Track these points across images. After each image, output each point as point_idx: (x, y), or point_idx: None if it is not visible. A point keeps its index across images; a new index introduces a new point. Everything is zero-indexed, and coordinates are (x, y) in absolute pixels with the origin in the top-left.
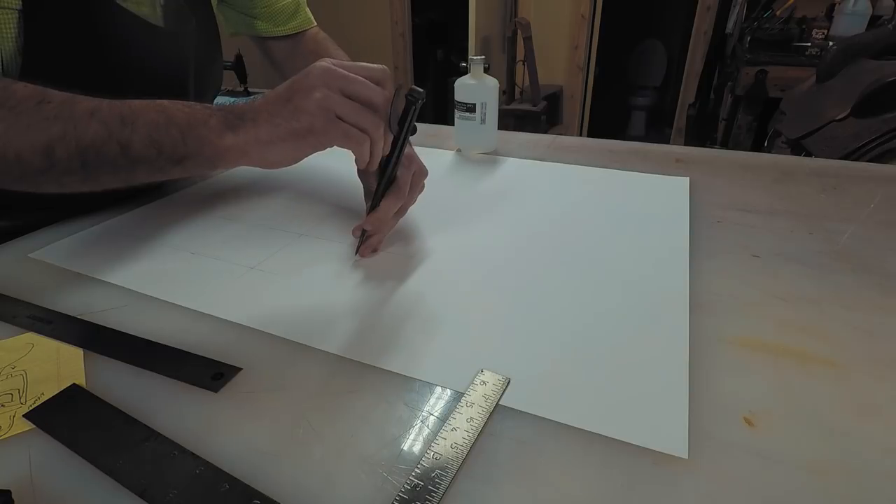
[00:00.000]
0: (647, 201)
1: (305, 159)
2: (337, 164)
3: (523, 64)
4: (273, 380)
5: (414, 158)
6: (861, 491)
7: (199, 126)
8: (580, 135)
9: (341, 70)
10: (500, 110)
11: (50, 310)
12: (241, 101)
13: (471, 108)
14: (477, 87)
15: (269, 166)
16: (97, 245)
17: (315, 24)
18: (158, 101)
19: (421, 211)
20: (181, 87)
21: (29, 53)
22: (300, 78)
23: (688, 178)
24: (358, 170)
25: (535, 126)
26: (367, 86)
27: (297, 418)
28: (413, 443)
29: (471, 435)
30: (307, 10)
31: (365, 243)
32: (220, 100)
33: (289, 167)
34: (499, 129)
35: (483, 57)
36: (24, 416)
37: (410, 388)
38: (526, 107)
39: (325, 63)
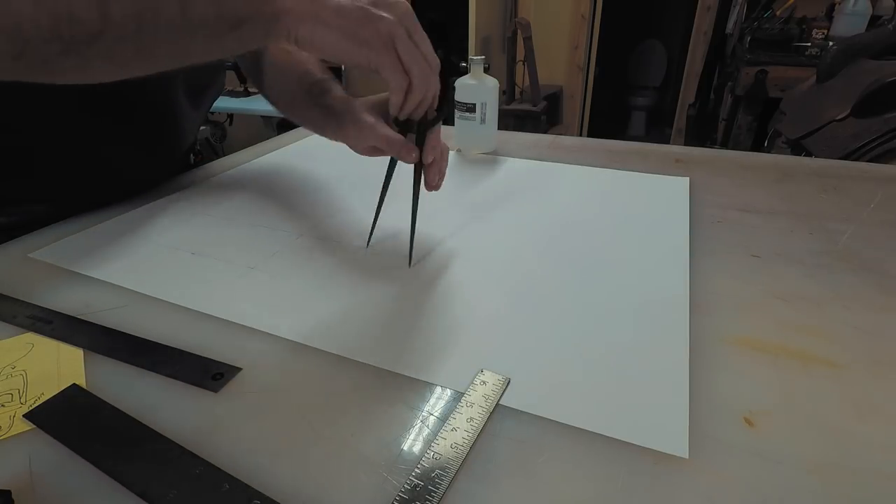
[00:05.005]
0: (647, 201)
1: (305, 162)
2: (337, 166)
3: (523, 64)
4: (273, 380)
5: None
6: (861, 491)
7: None
8: (580, 135)
9: (418, 22)
10: (500, 110)
11: (50, 310)
12: (241, 100)
13: (471, 108)
14: (477, 87)
15: (313, 49)
16: (97, 245)
17: None
18: None
19: (421, 211)
20: (164, 82)
21: None
22: None
23: (688, 178)
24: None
25: (535, 126)
26: (430, 48)
27: (297, 418)
28: (413, 443)
29: (471, 435)
30: None
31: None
32: (219, 102)
33: (288, 168)
34: (499, 129)
35: (483, 57)
36: (24, 416)
37: (410, 388)
38: (526, 107)
39: (408, 5)
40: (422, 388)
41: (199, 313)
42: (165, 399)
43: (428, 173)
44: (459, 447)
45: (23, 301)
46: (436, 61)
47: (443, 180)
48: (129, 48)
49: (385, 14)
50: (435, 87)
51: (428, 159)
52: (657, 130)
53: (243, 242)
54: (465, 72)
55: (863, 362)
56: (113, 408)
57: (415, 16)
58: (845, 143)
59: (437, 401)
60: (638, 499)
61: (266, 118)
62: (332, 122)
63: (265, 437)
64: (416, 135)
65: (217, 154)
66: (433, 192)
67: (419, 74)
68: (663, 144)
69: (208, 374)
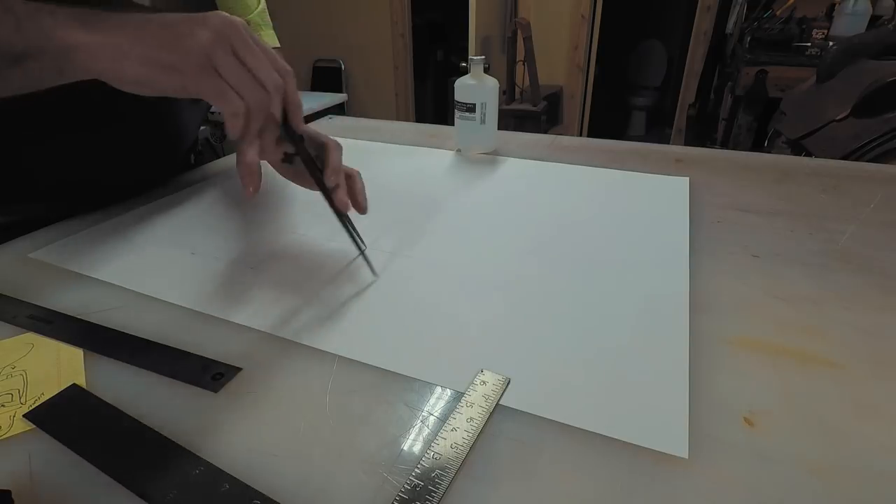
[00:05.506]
0: (647, 201)
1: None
2: None
3: (523, 64)
4: (273, 380)
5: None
6: (861, 491)
7: (42, 15)
8: (580, 135)
9: (246, 32)
10: (500, 110)
11: (50, 310)
12: None
13: (471, 108)
14: (477, 87)
15: (120, 84)
16: (97, 245)
17: (277, 45)
18: None
19: (421, 211)
20: None
21: None
22: (198, 16)
23: (688, 178)
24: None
25: (535, 126)
26: (265, 62)
27: (297, 418)
28: (413, 443)
29: (471, 435)
30: (271, 33)
31: (336, 197)
32: None
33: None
34: (499, 129)
35: (483, 57)
36: (24, 416)
37: (410, 388)
38: (526, 107)
39: (235, 18)
40: (422, 388)
41: (199, 313)
42: (165, 399)
43: (336, 195)
44: (459, 447)
45: (23, 301)
46: (272, 76)
47: (366, 202)
48: None
49: (198, 33)
50: (278, 103)
51: (330, 183)
52: (657, 130)
53: (243, 242)
54: (465, 72)
55: (863, 362)
56: (113, 408)
57: (240, 26)
58: (845, 143)
59: (437, 401)
60: (638, 499)
61: None
62: None
63: (265, 437)
64: (299, 157)
65: (217, 154)
66: (423, 196)
67: (250, 94)
68: (663, 144)
69: (208, 374)
